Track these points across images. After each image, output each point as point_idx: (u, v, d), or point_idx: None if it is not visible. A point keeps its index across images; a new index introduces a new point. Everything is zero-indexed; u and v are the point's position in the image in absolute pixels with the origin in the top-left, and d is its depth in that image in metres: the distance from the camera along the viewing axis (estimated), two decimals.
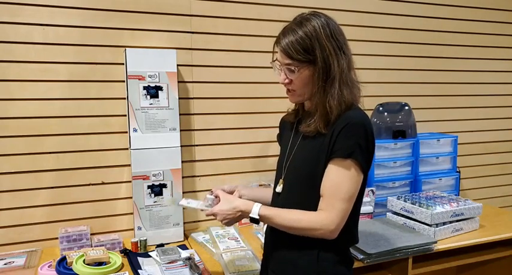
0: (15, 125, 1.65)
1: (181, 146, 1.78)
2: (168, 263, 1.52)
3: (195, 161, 1.95)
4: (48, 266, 1.49)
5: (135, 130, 1.70)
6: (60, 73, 1.70)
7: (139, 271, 1.47)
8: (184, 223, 1.84)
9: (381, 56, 2.27)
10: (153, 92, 1.71)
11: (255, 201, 1.21)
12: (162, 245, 1.73)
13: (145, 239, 1.69)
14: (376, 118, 2.15)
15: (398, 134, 2.13)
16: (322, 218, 1.10)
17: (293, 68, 1.13)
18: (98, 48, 1.74)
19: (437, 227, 1.77)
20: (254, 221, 1.16)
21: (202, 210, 1.27)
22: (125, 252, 1.62)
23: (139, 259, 1.57)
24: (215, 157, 1.98)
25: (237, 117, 2.00)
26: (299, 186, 1.20)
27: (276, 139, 1.47)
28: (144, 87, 1.69)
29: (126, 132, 1.76)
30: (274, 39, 1.19)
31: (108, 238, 1.71)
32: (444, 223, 1.80)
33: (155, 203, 1.75)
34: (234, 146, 2.01)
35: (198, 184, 1.96)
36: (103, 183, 1.80)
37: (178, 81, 1.82)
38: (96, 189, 1.79)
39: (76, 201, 1.77)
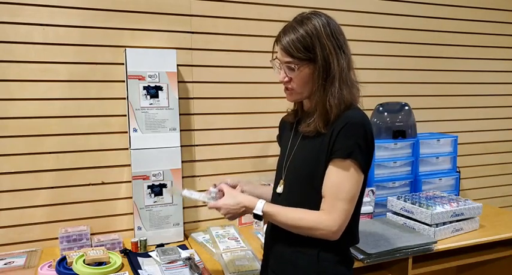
0: (15, 125, 1.65)
1: (181, 146, 1.78)
2: (168, 263, 1.52)
3: (195, 161, 1.95)
4: (48, 266, 1.49)
5: (135, 130, 1.70)
6: (60, 73, 1.70)
7: (139, 271, 1.47)
8: (184, 223, 1.84)
9: (380, 56, 2.27)
10: (153, 92, 1.71)
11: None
12: (162, 245, 1.73)
13: (145, 239, 1.69)
14: (376, 118, 2.15)
15: (398, 134, 2.13)
16: (324, 219, 1.10)
17: (293, 66, 1.13)
18: (98, 48, 1.74)
19: (437, 227, 1.77)
20: (257, 217, 1.16)
21: (204, 202, 1.27)
22: (125, 252, 1.62)
23: (139, 259, 1.57)
24: (215, 157, 1.98)
25: (237, 117, 2.00)
26: (299, 186, 1.20)
27: (275, 139, 1.47)
28: (144, 87, 1.69)
29: (126, 132, 1.77)
30: (274, 39, 1.19)
31: (108, 238, 1.71)
32: (444, 223, 1.80)
33: (155, 203, 1.75)
34: (234, 146, 2.01)
35: (198, 184, 1.96)
36: (103, 183, 1.80)
37: (178, 81, 1.82)
38: (96, 189, 1.79)
39: (76, 201, 1.77)
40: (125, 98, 1.75)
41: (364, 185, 1.18)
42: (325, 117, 1.12)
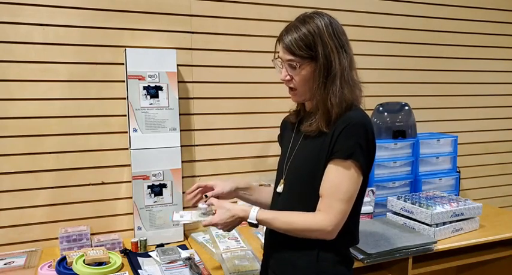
0: (15, 125, 1.65)
1: (181, 146, 1.78)
2: (168, 263, 1.52)
3: (195, 161, 1.95)
4: (48, 266, 1.49)
5: (135, 130, 1.70)
6: (60, 73, 1.70)
7: (139, 271, 1.47)
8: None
9: (380, 56, 2.27)
10: (153, 92, 1.71)
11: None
12: (162, 245, 1.73)
13: (145, 239, 1.69)
14: (376, 118, 2.15)
15: (398, 134, 2.13)
16: (320, 219, 1.10)
17: (295, 64, 1.14)
18: (98, 48, 1.74)
19: (437, 227, 1.77)
20: (253, 225, 1.18)
21: (199, 221, 1.26)
22: (125, 252, 1.62)
23: (139, 259, 1.57)
24: (215, 157, 1.98)
25: (237, 117, 2.00)
26: (299, 186, 1.20)
27: (276, 139, 1.47)
28: (144, 87, 1.69)
29: (126, 132, 1.76)
30: (274, 39, 1.19)
31: (108, 238, 1.71)
32: (444, 223, 1.80)
33: (155, 203, 1.75)
34: (234, 146, 2.01)
35: None
36: (103, 183, 1.80)
37: (178, 81, 1.82)
38: (96, 189, 1.79)
39: (76, 201, 1.77)
40: (124, 98, 1.75)
41: (365, 186, 1.18)
42: (326, 116, 1.12)
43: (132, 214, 1.76)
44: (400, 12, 2.29)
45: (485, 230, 1.90)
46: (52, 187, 1.72)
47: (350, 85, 1.14)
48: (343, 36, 1.15)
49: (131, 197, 1.75)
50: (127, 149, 1.78)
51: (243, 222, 1.21)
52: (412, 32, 2.33)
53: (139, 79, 1.69)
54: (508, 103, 2.67)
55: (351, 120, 1.10)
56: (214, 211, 1.24)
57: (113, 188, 1.81)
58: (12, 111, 1.64)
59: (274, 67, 1.22)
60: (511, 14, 2.59)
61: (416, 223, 1.82)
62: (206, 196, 1.31)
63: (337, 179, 1.10)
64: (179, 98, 1.78)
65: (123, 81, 1.74)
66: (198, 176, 1.96)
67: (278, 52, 1.19)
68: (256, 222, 1.16)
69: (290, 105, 1.33)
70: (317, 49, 1.11)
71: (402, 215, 1.91)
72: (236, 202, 1.41)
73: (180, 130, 1.79)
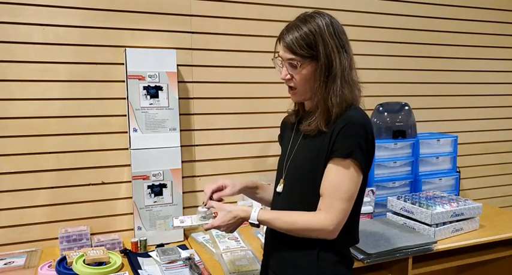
0: (15, 125, 1.65)
1: (181, 146, 1.78)
2: (168, 263, 1.52)
3: (195, 161, 1.95)
4: (48, 266, 1.49)
5: (135, 130, 1.70)
6: (60, 73, 1.70)
7: (139, 271, 1.47)
8: None
9: (381, 56, 2.27)
10: (153, 92, 1.71)
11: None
12: (162, 245, 1.73)
13: (145, 239, 1.69)
14: (376, 118, 2.15)
15: (398, 134, 2.13)
16: (321, 219, 1.10)
17: (295, 63, 1.14)
18: (97, 48, 1.74)
19: (437, 227, 1.77)
20: (254, 225, 1.18)
21: (200, 225, 1.26)
22: (125, 252, 1.62)
23: (139, 259, 1.57)
24: (215, 157, 1.98)
25: (237, 117, 2.00)
26: (299, 185, 1.20)
27: (276, 139, 1.47)
28: (144, 87, 1.69)
29: (126, 132, 1.76)
30: (274, 39, 1.19)
31: (108, 238, 1.71)
32: (444, 223, 1.80)
33: (155, 203, 1.75)
34: (234, 146, 2.01)
35: (198, 184, 1.96)
36: (103, 183, 1.80)
37: (178, 81, 1.82)
38: (96, 189, 1.79)
39: (76, 201, 1.77)
40: (124, 98, 1.75)
41: (364, 185, 1.18)
42: (326, 116, 1.13)
43: (132, 214, 1.76)
44: (400, 12, 2.29)
45: (485, 230, 1.90)
46: (52, 187, 1.72)
47: (350, 85, 1.14)
48: (344, 36, 1.15)
49: (131, 197, 1.75)
50: (127, 149, 1.78)
51: (244, 222, 1.21)
52: (412, 32, 2.33)
53: (139, 79, 1.69)
54: (508, 103, 2.67)
55: (350, 120, 1.10)
56: (214, 214, 1.24)
57: (112, 188, 1.82)
58: (12, 111, 1.64)
59: (274, 67, 1.22)
60: (511, 14, 2.59)
61: (416, 223, 1.82)
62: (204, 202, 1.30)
63: (337, 179, 1.10)
64: (179, 98, 1.78)
65: (123, 81, 1.74)
66: (198, 176, 1.96)
67: (278, 52, 1.19)
68: (257, 222, 1.17)
69: (290, 105, 1.33)
70: (318, 48, 1.11)
71: (402, 215, 1.91)
72: (236, 202, 1.42)
73: (180, 130, 1.79)
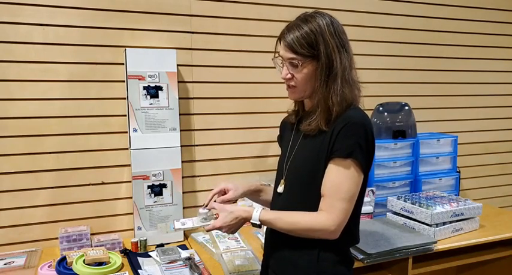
0: (15, 125, 1.65)
1: (181, 146, 1.78)
2: (168, 263, 1.52)
3: (195, 161, 1.95)
4: (48, 266, 1.49)
5: (135, 130, 1.70)
6: (60, 73, 1.70)
7: (139, 271, 1.47)
8: None
9: (381, 56, 2.27)
10: (153, 92, 1.71)
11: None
12: (162, 245, 1.73)
13: (145, 239, 1.69)
14: (376, 118, 2.15)
15: (398, 134, 2.13)
16: (322, 219, 1.10)
17: (296, 62, 1.14)
18: (97, 48, 1.74)
19: (437, 227, 1.77)
20: (256, 226, 1.18)
21: (201, 227, 1.25)
22: (125, 252, 1.62)
23: (139, 259, 1.57)
24: (215, 157, 1.98)
25: (237, 117, 2.00)
26: (299, 186, 1.20)
27: (276, 139, 1.47)
28: (144, 87, 1.69)
29: (126, 132, 1.76)
30: (274, 39, 1.20)
31: (108, 238, 1.70)
32: (444, 223, 1.80)
33: (155, 203, 1.75)
34: (234, 146, 2.01)
35: (198, 184, 1.96)
36: (103, 183, 1.80)
37: (178, 81, 1.82)
38: (96, 189, 1.79)
39: (76, 201, 1.77)
40: (124, 98, 1.75)
41: (365, 185, 1.18)
42: (327, 115, 1.13)
43: (132, 214, 1.76)
44: (400, 12, 2.29)
45: (485, 230, 1.90)
46: (52, 187, 1.72)
47: (350, 84, 1.14)
48: (344, 35, 1.15)
49: (131, 197, 1.75)
50: (127, 149, 1.78)
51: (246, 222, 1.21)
52: (412, 32, 2.33)
53: (139, 79, 1.69)
54: (508, 103, 2.67)
55: (350, 119, 1.10)
56: (215, 215, 1.24)
57: (112, 188, 1.81)
58: (12, 111, 1.64)
59: (274, 67, 1.22)
60: (511, 14, 2.59)
61: (416, 223, 1.82)
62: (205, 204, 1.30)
63: (338, 179, 1.10)
64: (179, 98, 1.78)
65: (123, 81, 1.74)
66: (198, 176, 1.96)
67: (278, 52, 1.19)
68: (259, 223, 1.17)
69: (290, 105, 1.33)
70: (319, 48, 1.11)
71: (402, 215, 1.91)
72: (236, 202, 1.42)
73: (180, 130, 1.79)
